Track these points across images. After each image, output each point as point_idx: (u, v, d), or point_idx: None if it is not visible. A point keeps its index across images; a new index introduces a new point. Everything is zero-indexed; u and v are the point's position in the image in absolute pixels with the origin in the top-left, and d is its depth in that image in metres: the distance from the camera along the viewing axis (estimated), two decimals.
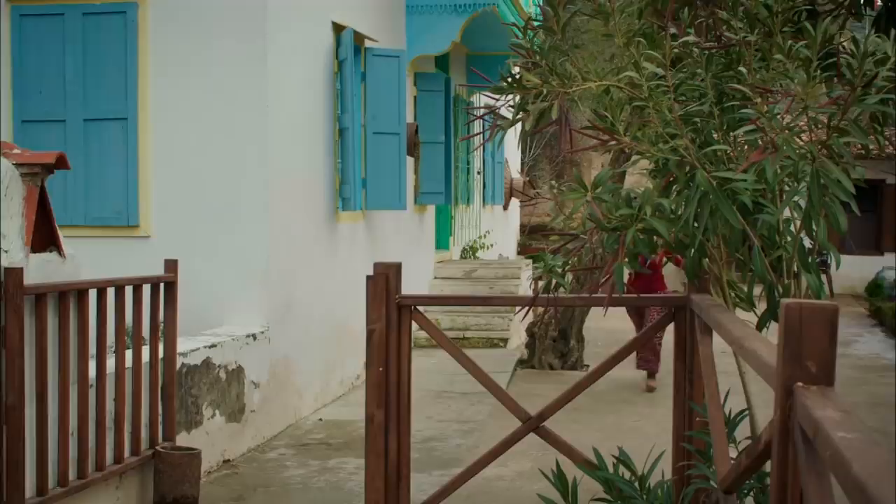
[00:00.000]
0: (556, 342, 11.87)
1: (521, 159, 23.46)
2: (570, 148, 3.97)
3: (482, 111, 4.22)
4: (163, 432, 6.41)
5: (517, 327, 13.37)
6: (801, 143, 3.47)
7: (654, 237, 3.73)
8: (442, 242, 15.52)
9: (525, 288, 14.04)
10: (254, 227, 8.33)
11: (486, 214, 18.38)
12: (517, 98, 4.01)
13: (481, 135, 4.21)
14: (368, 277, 4.73)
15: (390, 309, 4.72)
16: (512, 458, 7.30)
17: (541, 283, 3.95)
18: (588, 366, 11.62)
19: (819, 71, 3.41)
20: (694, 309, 4.26)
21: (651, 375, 10.62)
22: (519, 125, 4.09)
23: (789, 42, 3.50)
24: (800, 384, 2.03)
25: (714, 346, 4.00)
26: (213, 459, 7.20)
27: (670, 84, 3.65)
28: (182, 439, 6.68)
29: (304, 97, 9.25)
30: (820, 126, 3.46)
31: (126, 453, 5.97)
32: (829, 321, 2.03)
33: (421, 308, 4.92)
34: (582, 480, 4.34)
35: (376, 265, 4.77)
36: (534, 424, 4.81)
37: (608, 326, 11.82)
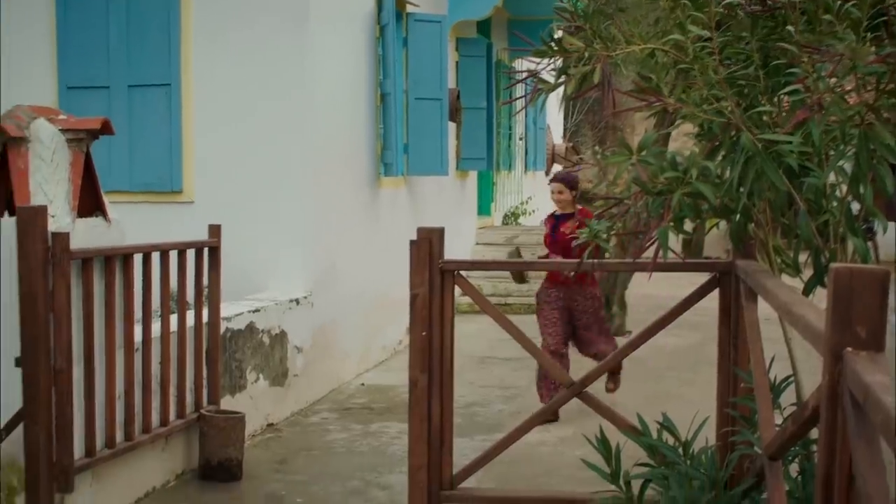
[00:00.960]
0: None
1: (564, 125, 23.32)
2: (612, 110, 3.93)
3: (524, 75, 4.17)
4: (207, 396, 6.47)
5: None
6: (849, 104, 3.40)
7: (700, 201, 3.69)
8: (483, 208, 15.49)
9: None
10: (296, 193, 8.35)
11: (528, 180, 18.31)
12: (559, 62, 3.96)
13: (522, 99, 4.17)
14: (412, 242, 4.72)
15: (433, 274, 4.72)
16: (554, 424, 7.31)
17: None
18: (630, 332, 11.56)
19: (868, 32, 3.34)
20: (739, 274, 4.22)
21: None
22: (561, 90, 4.05)
23: (837, 2, 3.43)
24: (849, 349, 2.00)
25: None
26: (256, 423, 7.26)
27: (715, 46, 3.60)
28: (226, 403, 6.75)
29: (345, 62, 9.23)
30: (869, 88, 3.39)
31: (172, 416, 6.04)
32: (881, 286, 2.00)
33: (463, 273, 4.91)
34: (625, 446, 4.33)
35: (419, 230, 4.76)
36: (577, 390, 4.80)
37: (651, 293, 11.75)
